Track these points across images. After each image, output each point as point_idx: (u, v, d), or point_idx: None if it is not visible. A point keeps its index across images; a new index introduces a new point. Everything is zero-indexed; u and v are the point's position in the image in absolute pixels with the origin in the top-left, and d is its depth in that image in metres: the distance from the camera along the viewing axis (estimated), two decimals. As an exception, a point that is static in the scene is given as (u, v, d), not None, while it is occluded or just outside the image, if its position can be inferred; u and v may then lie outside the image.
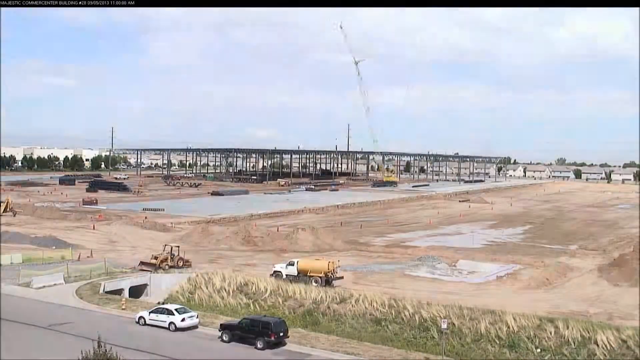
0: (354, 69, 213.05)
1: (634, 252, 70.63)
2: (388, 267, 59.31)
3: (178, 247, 55.84)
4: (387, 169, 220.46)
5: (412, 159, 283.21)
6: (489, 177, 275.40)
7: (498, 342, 33.61)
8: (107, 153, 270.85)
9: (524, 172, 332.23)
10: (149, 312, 36.24)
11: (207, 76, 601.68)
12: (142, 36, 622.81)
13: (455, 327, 35.09)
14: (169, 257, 53.21)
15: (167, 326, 34.96)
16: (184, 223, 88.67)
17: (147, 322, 35.72)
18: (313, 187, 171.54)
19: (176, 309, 36.04)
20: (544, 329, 33.83)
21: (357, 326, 37.23)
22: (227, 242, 71.50)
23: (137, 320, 36.12)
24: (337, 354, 31.68)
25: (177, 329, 34.73)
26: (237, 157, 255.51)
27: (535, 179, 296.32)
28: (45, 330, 34.25)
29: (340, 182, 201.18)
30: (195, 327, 35.48)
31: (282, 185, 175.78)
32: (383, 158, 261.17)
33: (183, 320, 34.99)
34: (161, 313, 35.82)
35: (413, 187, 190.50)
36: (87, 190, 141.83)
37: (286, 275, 49.93)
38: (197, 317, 36.16)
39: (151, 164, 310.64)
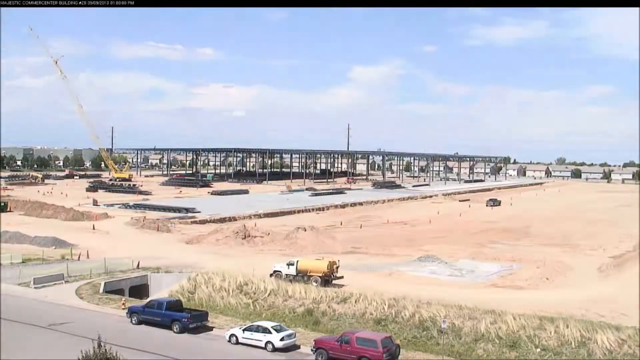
0: None
1: (634, 252, 70.85)
2: (388, 267, 59.33)
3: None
4: (117, 167, 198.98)
5: (412, 159, 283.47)
6: (489, 176, 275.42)
7: (498, 342, 33.59)
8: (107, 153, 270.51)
9: (524, 171, 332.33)
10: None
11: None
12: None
13: (455, 327, 35.09)
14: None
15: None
16: (185, 222, 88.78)
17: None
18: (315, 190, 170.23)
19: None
20: (544, 329, 33.81)
21: (357, 326, 37.17)
22: (227, 242, 71.53)
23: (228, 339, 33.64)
24: (337, 353, 31.65)
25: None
26: (237, 157, 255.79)
27: (535, 178, 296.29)
28: (45, 330, 34.25)
29: (342, 185, 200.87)
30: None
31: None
32: (383, 158, 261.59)
33: (282, 339, 32.42)
34: None
35: (413, 187, 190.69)
36: (87, 190, 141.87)
37: (286, 274, 49.98)
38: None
39: (151, 163, 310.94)
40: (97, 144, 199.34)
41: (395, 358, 30.12)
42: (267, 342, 32.13)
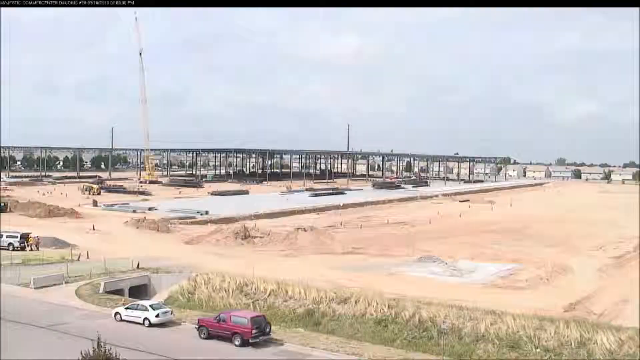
0: None
1: (634, 252, 70.94)
2: (388, 267, 59.30)
3: None
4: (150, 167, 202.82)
5: (412, 159, 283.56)
6: (489, 177, 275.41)
7: (498, 342, 33.57)
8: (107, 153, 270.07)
9: (524, 172, 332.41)
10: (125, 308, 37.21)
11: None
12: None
13: (455, 328, 35.06)
14: None
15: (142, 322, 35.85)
16: (184, 223, 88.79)
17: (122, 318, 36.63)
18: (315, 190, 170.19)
19: (151, 305, 36.96)
20: (544, 330, 33.79)
21: (357, 326, 37.18)
22: (227, 242, 71.53)
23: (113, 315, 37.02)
24: (337, 354, 31.67)
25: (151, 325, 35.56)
26: (236, 157, 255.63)
27: (535, 179, 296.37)
28: (45, 330, 34.24)
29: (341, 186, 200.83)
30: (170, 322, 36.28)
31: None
32: (383, 159, 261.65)
33: (157, 316, 35.76)
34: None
35: (413, 187, 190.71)
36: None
37: None
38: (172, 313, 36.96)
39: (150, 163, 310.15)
40: (147, 146, 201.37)
41: (266, 334, 33.61)
42: (145, 319, 35.61)
